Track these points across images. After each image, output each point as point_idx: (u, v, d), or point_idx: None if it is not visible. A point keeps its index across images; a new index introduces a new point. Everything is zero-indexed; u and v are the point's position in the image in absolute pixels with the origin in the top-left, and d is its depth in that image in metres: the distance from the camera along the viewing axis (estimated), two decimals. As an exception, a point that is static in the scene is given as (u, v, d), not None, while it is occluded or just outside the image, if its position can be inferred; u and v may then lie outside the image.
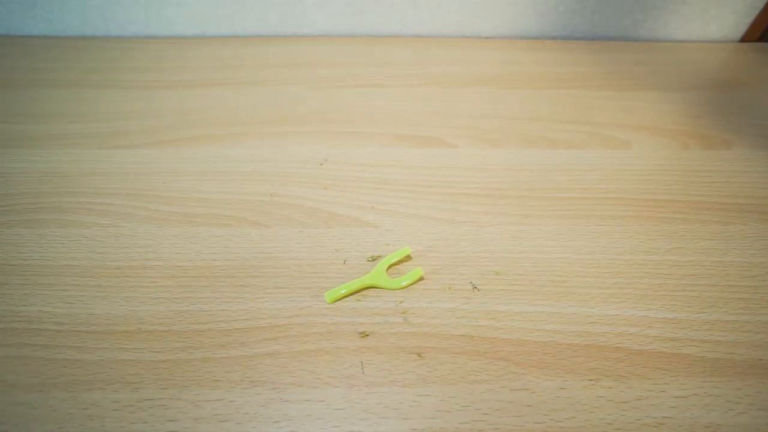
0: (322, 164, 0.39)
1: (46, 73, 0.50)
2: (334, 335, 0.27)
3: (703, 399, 0.25)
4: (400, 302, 0.29)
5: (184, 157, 0.39)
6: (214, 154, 0.40)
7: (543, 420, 0.24)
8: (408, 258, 0.31)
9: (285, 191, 0.36)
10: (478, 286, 0.30)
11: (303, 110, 0.46)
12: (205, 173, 0.38)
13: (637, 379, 0.25)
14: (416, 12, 0.57)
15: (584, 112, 0.47)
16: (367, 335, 0.27)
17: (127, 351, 0.26)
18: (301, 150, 0.41)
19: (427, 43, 0.58)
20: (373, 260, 0.31)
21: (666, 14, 0.58)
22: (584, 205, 0.36)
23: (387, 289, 0.30)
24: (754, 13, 0.58)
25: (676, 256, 0.32)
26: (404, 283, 0.30)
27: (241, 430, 0.23)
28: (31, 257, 0.31)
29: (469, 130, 0.44)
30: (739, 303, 0.29)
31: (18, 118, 0.44)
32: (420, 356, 0.26)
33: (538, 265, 0.31)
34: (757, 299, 0.30)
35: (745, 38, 0.60)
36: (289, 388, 0.25)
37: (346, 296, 0.29)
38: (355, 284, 0.29)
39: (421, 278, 0.30)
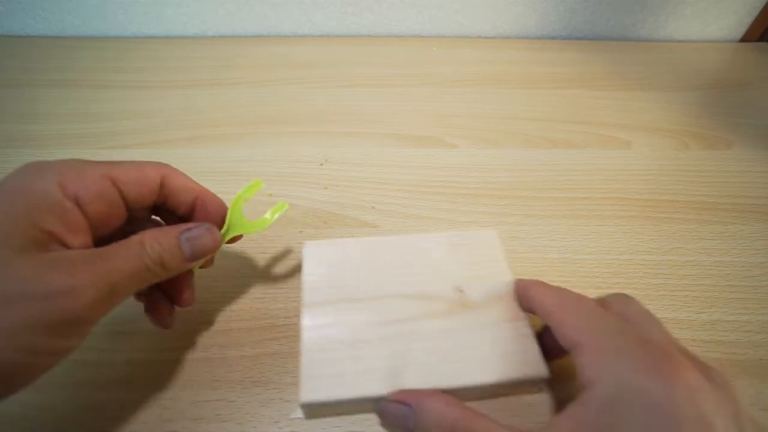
0: (322, 164, 0.39)
1: (46, 73, 0.50)
2: (334, 335, 0.27)
3: (704, 399, 0.25)
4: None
5: (183, 157, 0.39)
6: (214, 154, 0.40)
7: (544, 420, 0.24)
8: (258, 189, 0.26)
9: (285, 191, 0.36)
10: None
11: (303, 110, 0.46)
12: (205, 173, 0.38)
13: (638, 379, 0.25)
14: (416, 12, 0.57)
15: (584, 112, 0.47)
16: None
17: (127, 351, 0.26)
18: (301, 150, 0.41)
19: (427, 43, 0.58)
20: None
21: (666, 14, 0.58)
22: (584, 205, 0.36)
23: (250, 231, 0.25)
24: (754, 13, 0.58)
25: (676, 256, 0.32)
26: (268, 216, 0.26)
27: (241, 430, 0.23)
28: (31, 257, 0.31)
29: (469, 130, 0.44)
30: (739, 303, 0.29)
31: (18, 118, 0.44)
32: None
33: (538, 265, 0.31)
34: (757, 299, 0.30)
35: (745, 38, 0.60)
36: (289, 388, 0.25)
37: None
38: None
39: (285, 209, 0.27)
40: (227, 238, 0.25)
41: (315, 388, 0.22)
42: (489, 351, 0.23)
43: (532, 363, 0.23)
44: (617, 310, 0.21)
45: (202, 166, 0.39)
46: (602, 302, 0.23)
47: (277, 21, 0.58)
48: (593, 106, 0.48)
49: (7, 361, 0.15)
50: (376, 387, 0.22)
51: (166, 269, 0.20)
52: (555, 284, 0.30)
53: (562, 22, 0.58)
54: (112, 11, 0.56)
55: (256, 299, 0.29)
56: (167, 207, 0.23)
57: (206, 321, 0.27)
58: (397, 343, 0.23)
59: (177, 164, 0.38)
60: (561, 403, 0.24)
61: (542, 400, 0.24)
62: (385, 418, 0.23)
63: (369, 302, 0.25)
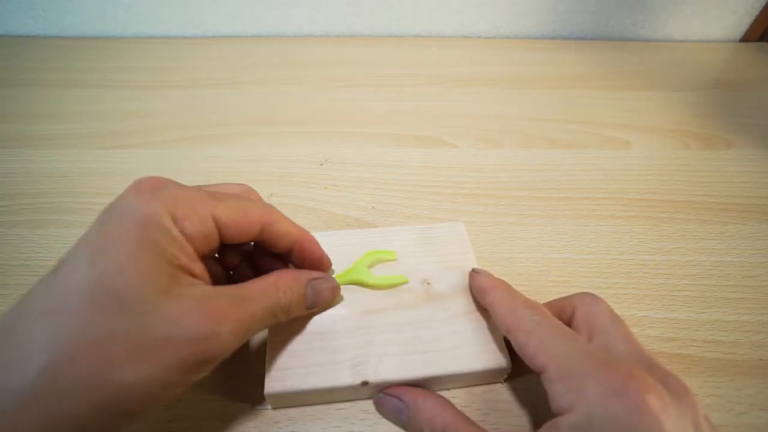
0: (322, 164, 0.39)
1: (46, 73, 0.50)
2: (335, 335, 0.27)
3: (704, 399, 0.25)
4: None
5: (184, 157, 0.39)
6: (214, 154, 0.40)
7: (544, 420, 0.24)
8: (391, 259, 0.28)
9: (285, 191, 0.36)
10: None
11: (303, 110, 0.46)
12: (205, 173, 0.38)
13: (638, 379, 0.25)
14: (416, 12, 0.57)
15: (584, 112, 0.47)
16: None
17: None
18: (301, 150, 0.41)
19: (427, 43, 0.58)
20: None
21: (666, 14, 0.58)
22: (584, 205, 0.36)
23: (367, 285, 0.26)
24: (754, 13, 0.58)
25: (676, 256, 0.32)
26: (386, 282, 0.26)
27: (242, 430, 0.23)
28: (31, 257, 0.31)
29: (469, 130, 0.44)
30: (739, 303, 0.29)
31: (18, 118, 0.44)
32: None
33: (538, 265, 0.31)
34: (757, 299, 0.30)
35: (745, 38, 0.60)
36: (290, 388, 0.25)
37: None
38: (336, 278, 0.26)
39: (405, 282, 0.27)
40: (343, 282, 0.25)
41: (279, 378, 0.22)
42: (453, 342, 0.24)
43: (494, 354, 0.23)
44: (582, 313, 0.22)
45: (201, 166, 0.39)
46: (567, 303, 0.23)
47: (277, 21, 0.58)
48: (593, 106, 0.48)
49: (153, 395, 0.16)
50: (341, 378, 0.22)
51: (287, 316, 0.21)
52: (554, 285, 0.30)
53: (562, 22, 0.58)
54: (112, 11, 0.56)
55: (256, 299, 0.29)
56: (260, 245, 0.22)
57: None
58: (364, 334, 0.24)
59: (177, 164, 0.39)
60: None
61: (542, 399, 0.24)
62: (380, 409, 0.23)
63: None
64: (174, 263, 0.17)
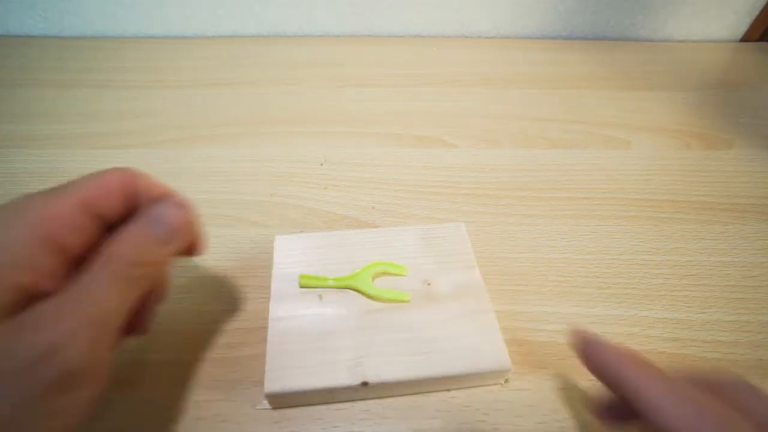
0: (322, 164, 0.39)
1: (46, 73, 0.50)
2: (334, 335, 0.27)
3: (704, 399, 0.25)
4: (401, 302, 0.29)
5: (184, 157, 0.39)
6: (214, 154, 0.40)
7: (544, 420, 0.24)
8: (401, 274, 0.27)
9: (285, 191, 0.36)
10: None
11: (303, 110, 0.46)
12: (205, 173, 0.38)
13: (638, 379, 0.25)
14: (416, 12, 0.57)
15: (584, 112, 0.47)
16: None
17: (127, 351, 0.26)
18: (301, 150, 0.41)
19: (427, 43, 0.58)
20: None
21: (666, 14, 0.58)
22: (584, 205, 0.36)
23: (367, 295, 0.26)
24: (755, 13, 0.58)
25: (676, 256, 0.32)
26: (387, 296, 0.26)
27: (241, 430, 0.23)
28: (31, 257, 0.31)
29: (469, 130, 0.44)
30: (739, 303, 0.29)
31: (18, 118, 0.44)
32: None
33: (538, 265, 0.31)
34: (757, 299, 0.30)
35: (745, 38, 0.60)
36: (289, 389, 0.25)
37: (321, 287, 0.27)
38: (336, 281, 0.26)
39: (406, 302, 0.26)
40: (344, 287, 0.26)
41: (279, 378, 0.22)
42: (454, 343, 0.24)
43: (495, 355, 0.23)
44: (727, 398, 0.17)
45: (201, 166, 0.39)
46: (708, 384, 0.18)
47: (277, 21, 0.58)
48: (593, 106, 0.48)
49: (22, 426, 0.14)
50: (341, 378, 0.22)
51: (153, 265, 0.19)
52: (554, 285, 0.30)
53: (562, 22, 0.58)
54: (112, 11, 0.56)
55: (257, 299, 0.29)
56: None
57: (208, 321, 0.27)
58: (364, 334, 0.24)
59: (174, 164, 0.39)
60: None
61: (542, 399, 0.24)
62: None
63: (337, 294, 0.26)
64: (17, 285, 0.16)
